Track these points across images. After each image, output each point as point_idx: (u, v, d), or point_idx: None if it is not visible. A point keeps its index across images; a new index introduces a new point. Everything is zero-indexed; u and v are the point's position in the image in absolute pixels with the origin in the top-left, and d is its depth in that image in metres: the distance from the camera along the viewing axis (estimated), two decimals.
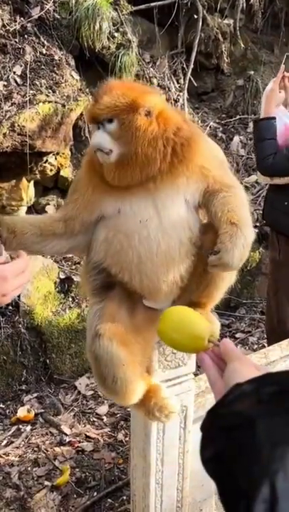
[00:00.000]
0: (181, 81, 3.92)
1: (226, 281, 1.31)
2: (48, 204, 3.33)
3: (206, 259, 1.16)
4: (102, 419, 2.55)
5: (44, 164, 3.10)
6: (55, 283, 2.86)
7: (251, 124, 4.02)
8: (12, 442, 2.36)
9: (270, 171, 2.17)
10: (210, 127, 4.15)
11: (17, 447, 2.34)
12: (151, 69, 3.75)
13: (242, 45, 4.27)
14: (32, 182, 3.14)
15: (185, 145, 1.18)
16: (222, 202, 1.19)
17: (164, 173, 1.17)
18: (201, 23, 3.83)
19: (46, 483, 2.14)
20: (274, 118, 2.13)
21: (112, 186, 1.20)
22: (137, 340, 1.27)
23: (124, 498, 2.06)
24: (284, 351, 1.71)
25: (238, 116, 4.32)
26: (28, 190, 3.08)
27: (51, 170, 3.18)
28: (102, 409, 2.60)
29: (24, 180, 3.00)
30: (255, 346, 3.14)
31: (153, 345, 1.30)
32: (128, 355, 1.21)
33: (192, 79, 3.91)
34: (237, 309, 3.55)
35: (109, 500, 2.06)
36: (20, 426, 2.47)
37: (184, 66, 3.93)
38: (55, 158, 3.17)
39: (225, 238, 1.12)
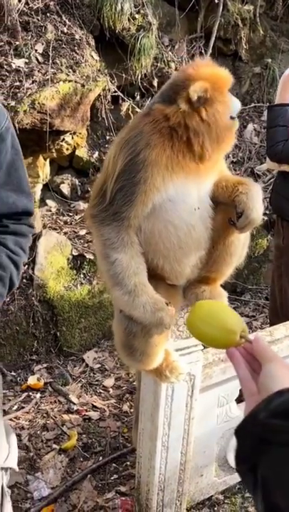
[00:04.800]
0: None
1: (234, 256, 1.39)
2: (63, 183, 3.41)
3: (229, 227, 1.25)
4: (109, 391, 2.66)
5: (61, 143, 3.16)
6: (68, 259, 2.94)
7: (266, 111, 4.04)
8: (22, 407, 2.47)
9: (279, 157, 2.21)
10: None
11: (27, 412, 2.45)
12: (170, 53, 3.77)
13: (261, 32, 4.26)
14: (48, 160, 3.21)
15: None
16: (226, 177, 1.31)
17: (211, 158, 1.23)
18: (221, 8, 3.82)
19: (54, 446, 2.26)
20: (288, 105, 2.17)
21: (175, 172, 1.19)
22: None
23: (128, 463, 2.17)
24: (288, 330, 1.80)
25: (253, 104, 4.34)
26: (44, 168, 3.14)
27: (67, 149, 3.24)
28: (109, 382, 2.71)
29: (41, 157, 3.07)
30: (259, 330, 3.23)
31: (174, 318, 1.38)
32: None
33: None
34: (242, 294, 3.63)
35: (113, 464, 2.17)
36: (31, 393, 2.59)
37: (202, 51, 3.94)
38: (72, 138, 3.23)
39: (242, 198, 1.21)
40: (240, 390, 1.83)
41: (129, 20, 3.40)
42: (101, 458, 2.20)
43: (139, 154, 1.15)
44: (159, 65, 3.61)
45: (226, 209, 1.29)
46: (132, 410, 2.46)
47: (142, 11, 3.45)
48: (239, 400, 1.83)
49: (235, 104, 1.21)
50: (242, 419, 0.58)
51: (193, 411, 1.60)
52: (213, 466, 1.86)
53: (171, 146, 1.17)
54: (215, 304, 0.95)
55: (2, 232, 1.11)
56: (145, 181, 1.15)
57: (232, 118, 1.20)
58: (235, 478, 1.97)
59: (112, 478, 2.11)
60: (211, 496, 1.96)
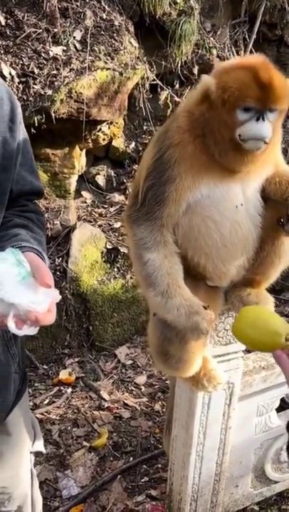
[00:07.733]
0: (242, 52, 3.76)
1: (283, 258, 1.28)
2: (98, 174, 3.34)
3: (277, 229, 1.15)
4: (140, 389, 2.60)
5: (97, 133, 3.09)
6: (102, 252, 2.88)
7: None
8: (54, 402, 2.45)
9: None
10: None
11: (58, 407, 2.43)
12: (212, 38, 3.61)
13: None
14: (84, 151, 3.15)
15: None
16: (281, 173, 1.20)
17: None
18: None
19: (85, 443, 2.22)
20: None
21: (204, 172, 1.11)
22: None
23: (159, 466, 2.11)
24: None
25: None
26: (80, 159, 3.08)
27: (104, 139, 3.17)
28: (141, 379, 2.65)
29: (77, 148, 3.01)
30: None
31: (214, 323, 1.29)
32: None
33: (253, 50, 3.74)
34: (282, 293, 3.47)
35: (144, 466, 2.11)
36: (62, 387, 2.56)
37: (246, 37, 3.76)
38: (109, 128, 3.15)
39: None
40: (281, 400, 1.70)
41: (170, 5, 3.26)
42: (131, 458, 2.14)
43: (165, 153, 1.10)
44: (200, 51, 3.47)
45: (276, 206, 1.18)
46: (164, 410, 2.39)
47: None
48: (280, 409, 1.72)
49: (249, 129, 1.02)
50: None
51: (230, 420, 1.51)
52: (250, 477, 1.76)
53: (195, 143, 1.09)
54: (260, 309, 0.99)
55: (25, 211, 1.11)
56: (174, 180, 1.09)
57: (242, 140, 1.03)
58: (272, 489, 1.87)
59: (143, 480, 2.05)
60: (246, 506, 1.87)
